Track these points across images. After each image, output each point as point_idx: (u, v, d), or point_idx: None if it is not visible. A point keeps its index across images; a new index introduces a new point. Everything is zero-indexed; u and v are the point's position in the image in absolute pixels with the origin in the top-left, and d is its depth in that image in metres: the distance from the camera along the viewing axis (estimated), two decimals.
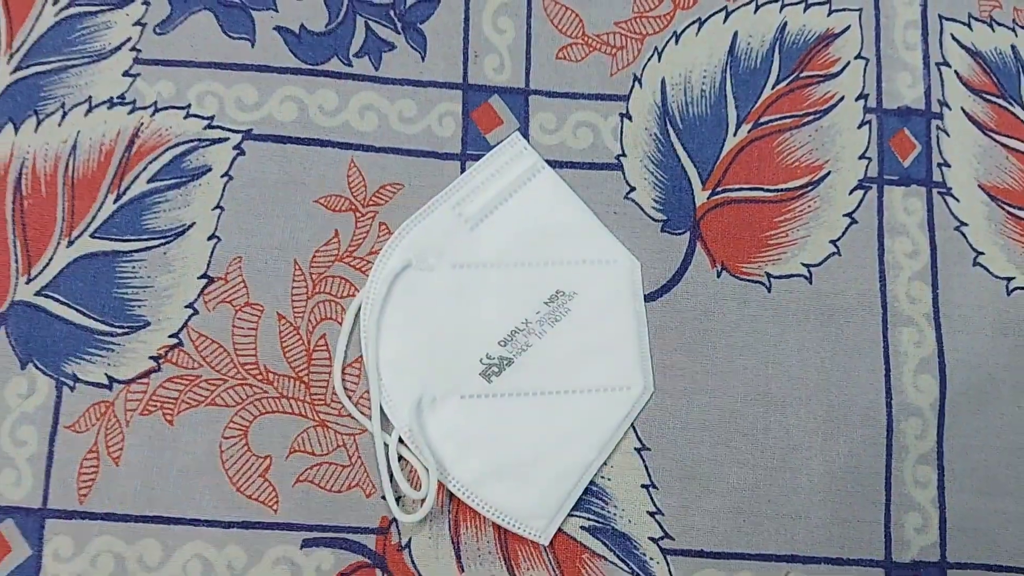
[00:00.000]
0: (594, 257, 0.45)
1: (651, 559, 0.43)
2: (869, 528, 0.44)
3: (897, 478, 0.45)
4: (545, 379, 0.44)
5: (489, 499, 0.43)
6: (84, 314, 0.44)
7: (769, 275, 0.46)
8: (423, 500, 0.42)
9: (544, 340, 0.44)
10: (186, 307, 0.44)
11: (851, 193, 0.47)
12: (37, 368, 0.43)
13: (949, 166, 0.48)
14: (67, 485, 0.42)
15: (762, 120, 0.48)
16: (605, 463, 0.44)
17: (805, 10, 0.49)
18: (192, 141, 0.46)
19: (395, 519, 0.42)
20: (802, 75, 0.48)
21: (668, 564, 0.43)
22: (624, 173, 0.47)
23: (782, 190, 0.47)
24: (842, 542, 0.44)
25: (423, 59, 0.47)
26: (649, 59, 0.48)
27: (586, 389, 0.44)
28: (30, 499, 0.42)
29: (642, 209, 0.47)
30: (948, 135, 0.48)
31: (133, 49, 0.47)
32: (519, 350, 0.44)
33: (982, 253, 0.47)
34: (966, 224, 0.47)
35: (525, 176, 0.46)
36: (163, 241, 0.45)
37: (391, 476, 0.42)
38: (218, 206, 0.45)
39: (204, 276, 0.45)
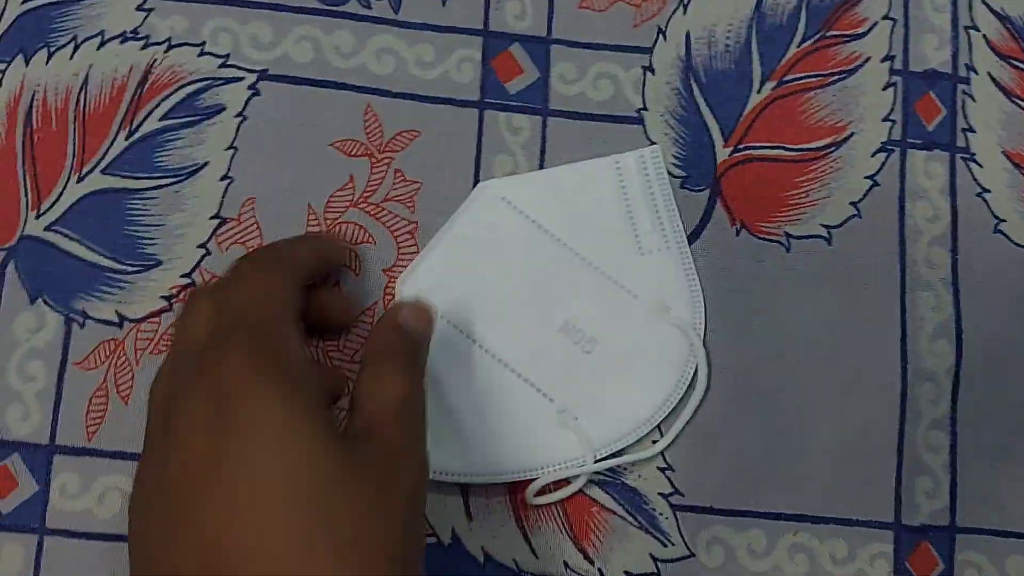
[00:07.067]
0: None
1: (660, 514, 0.43)
2: (879, 490, 0.44)
3: (909, 442, 0.44)
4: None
5: None
6: (94, 251, 0.43)
7: (788, 235, 0.46)
8: None
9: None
10: (198, 247, 0.44)
11: (873, 155, 0.47)
12: (46, 304, 0.43)
13: (974, 132, 0.47)
14: (75, 422, 0.42)
15: (786, 78, 0.47)
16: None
17: None
18: (206, 79, 0.45)
19: None
20: (828, 34, 0.48)
21: (677, 519, 0.43)
22: (644, 128, 0.46)
23: (804, 150, 0.47)
24: (852, 503, 0.44)
25: (443, 3, 0.47)
26: (674, 11, 0.48)
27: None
28: (37, 435, 0.42)
29: None
30: (974, 100, 0.48)
31: None
32: None
33: (1003, 220, 0.47)
34: (988, 191, 0.47)
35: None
36: (175, 180, 0.44)
37: None
38: (231, 146, 0.45)
39: (216, 216, 0.44)
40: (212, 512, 0.30)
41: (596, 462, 0.43)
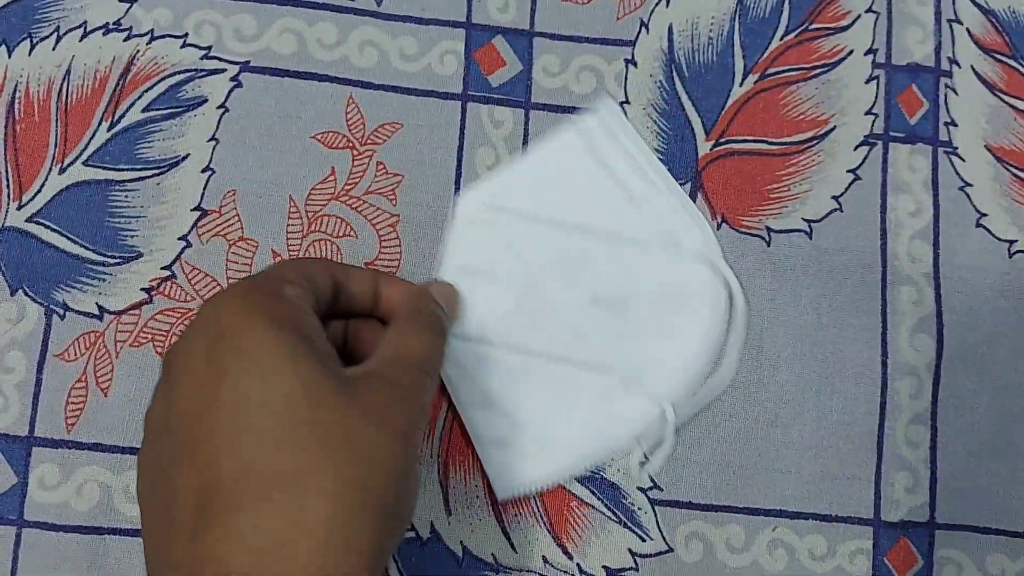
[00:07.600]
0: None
1: (639, 509, 0.43)
2: (859, 486, 0.44)
3: (889, 437, 0.44)
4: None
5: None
6: (76, 242, 0.43)
7: (769, 229, 0.46)
8: None
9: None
10: (179, 239, 0.44)
11: (856, 149, 0.47)
12: (27, 295, 0.43)
13: (956, 125, 0.47)
14: (55, 414, 0.42)
15: (769, 71, 0.47)
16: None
17: None
18: (189, 71, 0.45)
19: None
20: (811, 27, 0.48)
21: (656, 514, 0.43)
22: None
23: (786, 143, 0.46)
24: (831, 499, 0.44)
25: None
26: (657, 4, 0.47)
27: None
28: (16, 426, 0.42)
29: None
30: (957, 94, 0.48)
31: None
32: None
33: (985, 215, 0.47)
34: (970, 184, 0.47)
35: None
36: (157, 171, 0.44)
37: None
38: (213, 138, 0.45)
39: (198, 208, 0.44)
40: (211, 435, 0.31)
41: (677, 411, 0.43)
